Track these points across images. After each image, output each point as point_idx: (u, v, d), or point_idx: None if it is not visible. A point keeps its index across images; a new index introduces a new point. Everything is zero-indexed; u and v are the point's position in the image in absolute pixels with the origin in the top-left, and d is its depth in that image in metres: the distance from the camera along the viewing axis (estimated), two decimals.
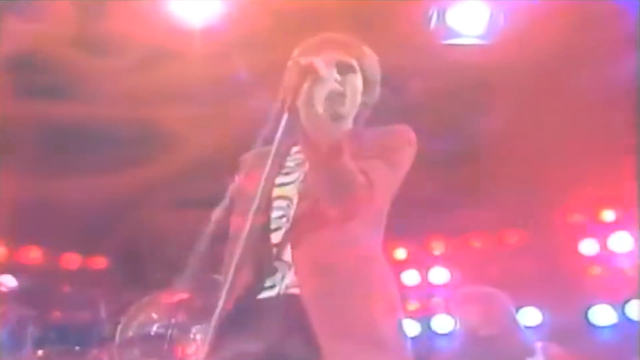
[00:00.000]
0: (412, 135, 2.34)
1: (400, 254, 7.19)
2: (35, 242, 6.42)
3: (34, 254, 6.72)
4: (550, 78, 4.69)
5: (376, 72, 2.43)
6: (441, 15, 4.48)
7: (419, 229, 6.47)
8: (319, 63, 2.14)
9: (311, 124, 2.09)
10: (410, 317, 7.00)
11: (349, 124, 2.39)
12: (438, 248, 7.14)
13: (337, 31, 2.49)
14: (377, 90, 2.45)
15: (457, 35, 4.53)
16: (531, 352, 3.62)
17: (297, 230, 2.18)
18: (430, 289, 7.18)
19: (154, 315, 4.21)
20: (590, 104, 4.63)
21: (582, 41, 4.37)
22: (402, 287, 7.09)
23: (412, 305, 7.13)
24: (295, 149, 2.31)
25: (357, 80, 2.36)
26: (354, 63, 2.35)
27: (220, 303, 2.02)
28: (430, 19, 4.46)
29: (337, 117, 2.30)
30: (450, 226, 6.45)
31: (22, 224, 5.43)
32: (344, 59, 2.32)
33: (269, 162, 2.11)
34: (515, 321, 3.77)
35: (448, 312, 6.80)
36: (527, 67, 4.46)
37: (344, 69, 2.31)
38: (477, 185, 5.51)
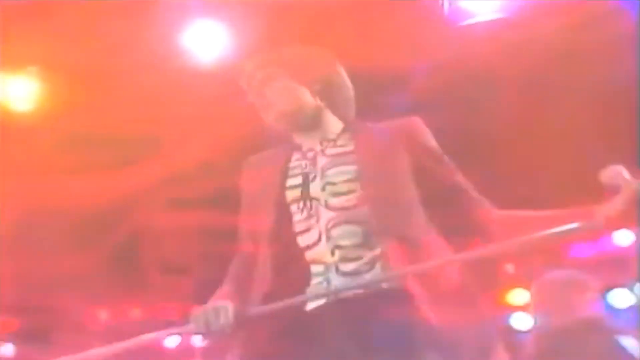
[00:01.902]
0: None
1: None
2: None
3: None
4: (549, 78, 4.65)
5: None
6: None
7: None
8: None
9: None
10: None
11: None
12: None
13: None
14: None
15: (472, 15, 4.49)
16: (624, 332, 3.42)
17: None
18: None
19: None
20: (589, 105, 4.44)
21: (581, 41, 4.25)
22: None
23: None
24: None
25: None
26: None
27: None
28: (442, 4, 4.46)
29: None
30: None
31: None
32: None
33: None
34: (600, 305, 3.53)
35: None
36: (528, 65, 4.36)
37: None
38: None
